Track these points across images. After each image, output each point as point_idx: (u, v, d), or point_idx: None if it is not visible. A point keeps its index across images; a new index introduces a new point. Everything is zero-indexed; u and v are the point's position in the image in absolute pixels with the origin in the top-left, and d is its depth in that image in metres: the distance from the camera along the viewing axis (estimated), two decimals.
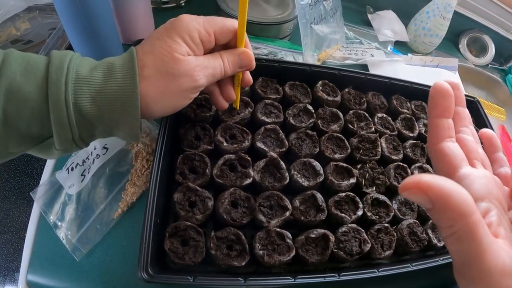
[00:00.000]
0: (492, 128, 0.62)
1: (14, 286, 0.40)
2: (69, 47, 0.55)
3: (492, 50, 0.92)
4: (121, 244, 0.41)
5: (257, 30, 0.61)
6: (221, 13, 0.59)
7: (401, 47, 0.78)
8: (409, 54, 0.74)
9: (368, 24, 0.78)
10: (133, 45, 0.55)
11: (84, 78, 0.28)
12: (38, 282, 0.38)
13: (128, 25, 0.54)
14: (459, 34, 0.91)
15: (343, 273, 0.37)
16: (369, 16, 0.79)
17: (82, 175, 0.44)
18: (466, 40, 0.90)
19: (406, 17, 0.80)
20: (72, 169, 0.44)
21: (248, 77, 0.39)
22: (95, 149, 0.45)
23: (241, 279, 0.34)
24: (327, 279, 0.36)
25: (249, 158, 0.42)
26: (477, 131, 0.60)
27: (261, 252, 0.36)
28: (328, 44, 0.64)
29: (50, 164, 0.46)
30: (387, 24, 0.76)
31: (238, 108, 0.44)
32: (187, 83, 0.32)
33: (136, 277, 0.36)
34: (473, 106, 0.64)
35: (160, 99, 0.31)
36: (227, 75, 0.36)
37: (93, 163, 0.45)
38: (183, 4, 0.65)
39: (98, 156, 0.45)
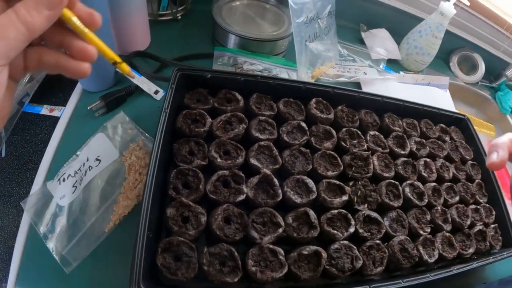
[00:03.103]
0: (481, 145, 0.65)
1: None
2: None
3: (482, 68, 0.96)
4: (112, 258, 0.41)
5: (253, 46, 0.64)
6: (217, 28, 0.61)
7: (394, 65, 0.81)
8: (401, 72, 0.77)
9: (362, 42, 0.82)
10: (129, 57, 0.57)
11: None
12: None
13: (125, 37, 0.55)
14: (450, 52, 0.95)
15: None
16: (363, 34, 0.82)
17: (73, 186, 0.45)
18: (457, 58, 0.95)
19: (398, 35, 0.84)
20: (64, 180, 0.45)
21: (86, 10, 0.27)
22: (87, 160, 0.46)
23: None
24: None
25: (242, 175, 0.43)
26: (467, 148, 0.63)
27: (253, 268, 0.37)
28: (322, 62, 0.67)
29: (41, 173, 0.47)
30: (380, 42, 0.80)
31: (118, 60, 0.30)
32: None
33: None
34: (463, 123, 0.67)
35: None
36: (37, 30, 0.23)
37: (85, 174, 0.45)
38: (179, 17, 0.67)
39: (90, 168, 0.46)
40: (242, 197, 0.42)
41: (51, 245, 0.41)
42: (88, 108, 0.51)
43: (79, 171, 0.46)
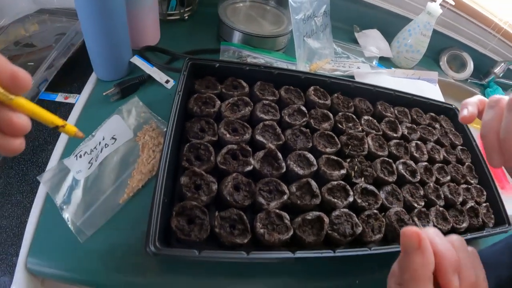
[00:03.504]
0: (470, 132, 0.69)
1: (11, 271, 0.42)
2: (74, 56, 0.60)
3: (471, 66, 1.02)
4: (125, 228, 0.44)
5: (255, 42, 0.69)
6: (223, 26, 0.67)
7: (385, 62, 0.87)
8: (393, 68, 0.83)
9: (355, 42, 0.88)
10: (141, 51, 0.62)
11: None
12: (38, 263, 0.40)
13: (138, 33, 0.60)
14: (439, 51, 1.01)
15: (338, 250, 0.42)
16: (356, 34, 0.89)
17: (89, 162, 0.48)
18: (446, 57, 1.01)
19: (389, 35, 0.90)
20: (81, 156, 0.48)
21: (7, 72, 0.22)
22: (103, 139, 0.50)
23: (244, 253, 0.38)
24: (324, 255, 0.41)
25: (249, 149, 0.47)
26: (456, 135, 0.68)
27: (262, 230, 0.41)
28: (319, 57, 0.72)
29: (57, 152, 0.49)
30: (373, 41, 0.86)
31: (60, 123, 0.27)
32: None
33: (140, 259, 0.41)
34: (451, 113, 0.72)
35: None
36: None
37: (101, 151, 0.49)
38: (186, 17, 0.73)
39: (106, 145, 0.49)
40: (249, 167, 0.46)
41: (66, 215, 0.43)
42: (104, 93, 0.55)
43: (94, 149, 0.49)
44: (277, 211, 0.43)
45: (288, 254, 0.40)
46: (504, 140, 0.30)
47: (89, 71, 0.60)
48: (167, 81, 0.59)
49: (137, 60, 0.58)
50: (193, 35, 0.72)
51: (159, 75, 0.59)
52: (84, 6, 0.48)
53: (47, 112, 0.24)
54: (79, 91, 0.58)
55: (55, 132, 0.53)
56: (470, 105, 0.37)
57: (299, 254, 0.40)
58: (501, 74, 1.05)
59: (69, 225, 0.43)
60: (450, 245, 0.27)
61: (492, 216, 0.61)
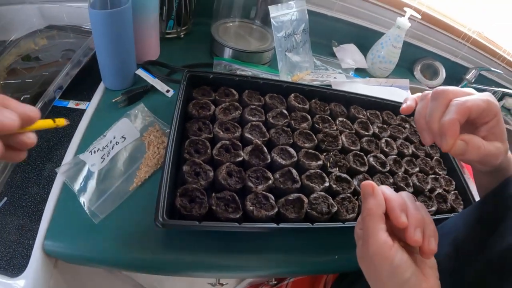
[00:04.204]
0: None
1: (28, 254, 0.50)
2: (83, 68, 0.69)
3: (443, 74, 1.14)
4: (135, 212, 0.52)
5: (244, 57, 0.80)
6: (215, 43, 0.78)
7: (361, 72, 0.99)
8: (367, 77, 0.94)
9: (334, 55, 1.00)
10: (144, 64, 0.72)
11: None
12: (55, 245, 0.46)
13: (142, 49, 0.71)
14: (413, 62, 1.13)
15: (316, 223, 0.51)
16: (334, 49, 1.01)
17: (102, 158, 0.57)
18: (419, 66, 1.12)
19: (365, 48, 1.02)
20: (94, 152, 0.57)
21: (26, 114, 0.32)
22: (114, 138, 0.59)
23: (237, 224, 0.47)
24: (304, 226, 0.50)
25: (239, 144, 0.57)
26: None
27: (251, 208, 0.50)
28: (300, 70, 0.83)
29: (71, 150, 0.57)
30: (349, 54, 0.98)
31: (56, 121, 0.38)
32: None
33: (149, 237, 0.49)
34: None
35: None
36: None
37: (112, 148, 0.58)
38: (182, 35, 0.84)
39: (117, 143, 0.58)
40: (240, 158, 0.55)
41: (82, 200, 0.51)
42: (113, 100, 0.64)
43: (106, 146, 0.58)
44: (264, 192, 0.52)
45: (273, 225, 0.49)
46: (428, 122, 0.40)
47: (97, 81, 0.70)
48: (167, 91, 0.69)
49: (141, 73, 0.68)
50: (188, 51, 0.83)
51: (160, 86, 0.69)
52: (99, 26, 0.59)
53: (43, 121, 0.33)
54: (88, 99, 0.67)
55: (67, 134, 0.62)
56: (409, 100, 0.47)
57: (283, 225, 0.49)
58: (473, 80, 1.14)
59: (85, 209, 0.50)
60: (399, 195, 0.37)
61: (462, 202, 0.68)
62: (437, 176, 0.70)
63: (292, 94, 0.70)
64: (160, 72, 0.73)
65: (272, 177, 0.54)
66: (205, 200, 0.49)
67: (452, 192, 0.69)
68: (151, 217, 0.44)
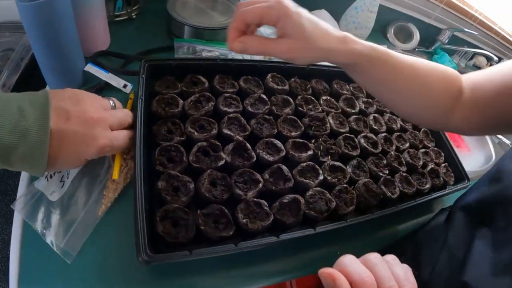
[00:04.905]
0: None
1: None
2: (24, 71, 0.58)
3: (417, 36, 1.11)
4: (110, 239, 0.45)
5: (207, 35, 0.70)
6: (173, 22, 0.67)
7: None
8: None
9: None
10: (93, 57, 0.61)
11: (2, 143, 0.35)
12: None
13: (88, 39, 0.59)
14: (386, 25, 1.08)
15: (318, 227, 0.46)
16: None
17: (61, 181, 0.48)
18: (393, 29, 1.08)
19: (337, 14, 0.95)
20: (51, 176, 0.48)
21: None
22: None
23: (233, 245, 0.41)
24: (306, 233, 0.45)
25: (219, 143, 0.49)
26: None
27: (244, 220, 0.44)
28: None
29: (25, 176, 0.49)
30: None
31: (117, 177, 0.48)
32: None
33: (131, 266, 0.42)
34: None
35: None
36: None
37: None
38: (134, 16, 0.72)
39: None
40: (222, 162, 0.48)
41: (49, 239, 0.43)
42: None
43: None
44: (255, 199, 0.46)
45: (273, 239, 0.43)
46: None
47: (43, 85, 0.58)
48: (125, 86, 0.59)
49: (91, 68, 0.57)
50: (143, 34, 0.71)
51: (116, 81, 0.58)
52: (31, 21, 0.47)
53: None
54: None
55: None
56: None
57: (284, 236, 0.44)
58: (446, 41, 1.15)
59: (54, 249, 0.43)
60: (363, 268, 0.32)
61: (452, 174, 0.69)
62: (427, 150, 0.69)
63: (269, 75, 0.62)
64: (113, 64, 0.62)
65: (261, 179, 0.48)
66: (190, 220, 0.42)
67: (443, 165, 0.69)
68: (130, 242, 0.38)
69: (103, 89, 0.58)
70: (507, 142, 0.99)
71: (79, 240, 0.44)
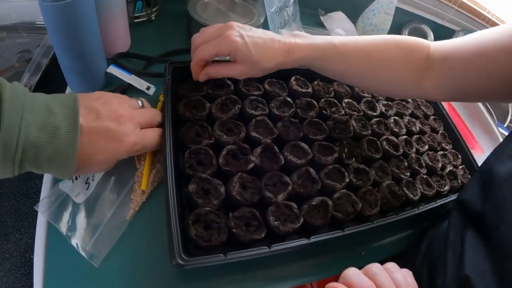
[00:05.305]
0: (442, 106, 0.78)
1: None
2: (43, 77, 0.58)
3: (431, 37, 1.11)
4: (138, 242, 0.45)
5: None
6: (194, 24, 0.67)
7: None
8: None
9: (322, 25, 0.92)
10: (115, 58, 0.61)
11: (31, 141, 0.33)
12: None
13: (109, 39, 0.59)
14: (400, 26, 1.09)
15: (347, 228, 0.47)
16: (322, 18, 0.93)
17: (86, 183, 0.48)
18: (407, 31, 1.08)
19: (354, 16, 0.95)
20: (76, 178, 0.48)
21: None
22: None
23: (266, 247, 0.42)
24: (335, 235, 0.45)
25: (247, 146, 0.50)
26: (428, 106, 0.75)
27: (276, 223, 0.44)
28: None
29: (48, 178, 0.48)
30: (338, 23, 0.90)
31: (146, 188, 0.48)
32: None
33: (160, 270, 0.42)
34: None
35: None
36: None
37: None
38: (153, 17, 0.72)
39: None
40: (251, 165, 0.48)
41: (75, 242, 0.43)
42: None
43: None
44: (285, 202, 0.46)
45: (304, 241, 0.44)
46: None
47: (63, 87, 0.58)
48: (148, 88, 0.59)
49: (114, 70, 0.57)
50: (163, 35, 0.71)
51: (139, 83, 0.58)
52: (54, 22, 0.47)
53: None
54: None
55: None
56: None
57: (314, 238, 0.44)
58: None
59: (80, 251, 0.42)
60: (365, 278, 0.35)
61: (469, 176, 0.69)
62: (445, 152, 0.70)
63: (293, 78, 0.63)
64: (133, 66, 0.62)
65: (290, 182, 0.48)
66: (222, 224, 0.42)
67: (460, 167, 0.70)
68: (158, 246, 0.40)
69: (126, 90, 0.59)
70: None
71: (107, 243, 0.44)
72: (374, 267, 0.37)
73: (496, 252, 0.41)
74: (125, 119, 0.42)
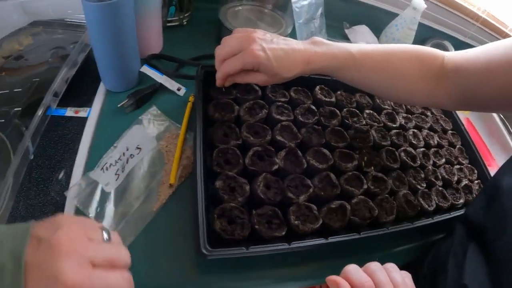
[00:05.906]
0: (460, 121, 0.79)
1: None
2: (78, 69, 0.62)
3: None
4: (163, 233, 0.48)
5: None
6: (224, 30, 0.71)
7: None
8: None
9: (346, 38, 0.95)
10: (148, 59, 0.65)
11: None
12: None
13: (144, 41, 0.63)
14: (422, 41, 1.11)
15: (363, 232, 0.49)
16: (346, 31, 0.96)
17: (116, 174, 0.51)
18: (429, 46, 1.10)
19: (377, 30, 0.99)
20: (107, 168, 0.51)
21: None
22: (127, 150, 0.53)
23: (286, 244, 0.44)
24: (352, 237, 0.48)
25: (273, 149, 0.53)
26: (446, 120, 0.77)
27: (296, 222, 0.47)
28: None
29: (78, 166, 0.51)
30: (362, 37, 0.94)
31: (174, 181, 0.52)
32: None
33: (183, 261, 0.45)
34: None
35: None
36: None
37: (127, 162, 0.52)
38: (185, 22, 0.76)
39: (132, 156, 0.53)
40: (275, 167, 0.51)
41: None
42: (118, 105, 0.58)
43: (119, 160, 0.52)
44: (306, 203, 0.49)
45: (322, 241, 0.46)
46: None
47: (96, 83, 0.62)
48: (178, 89, 0.63)
49: (147, 70, 0.61)
50: (193, 40, 0.76)
51: (170, 83, 0.62)
52: (96, 21, 0.51)
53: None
54: (89, 104, 0.60)
55: (70, 148, 0.55)
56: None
57: (332, 239, 0.47)
58: None
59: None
60: (364, 275, 0.37)
61: None
62: (461, 166, 0.72)
63: (318, 87, 0.66)
64: (165, 67, 0.66)
65: (311, 185, 0.51)
66: (246, 220, 0.45)
67: (476, 181, 0.71)
68: (183, 239, 0.42)
69: (158, 90, 0.63)
70: None
71: (132, 232, 0.47)
72: (374, 265, 0.39)
73: (493, 264, 0.42)
74: (64, 253, 0.29)
